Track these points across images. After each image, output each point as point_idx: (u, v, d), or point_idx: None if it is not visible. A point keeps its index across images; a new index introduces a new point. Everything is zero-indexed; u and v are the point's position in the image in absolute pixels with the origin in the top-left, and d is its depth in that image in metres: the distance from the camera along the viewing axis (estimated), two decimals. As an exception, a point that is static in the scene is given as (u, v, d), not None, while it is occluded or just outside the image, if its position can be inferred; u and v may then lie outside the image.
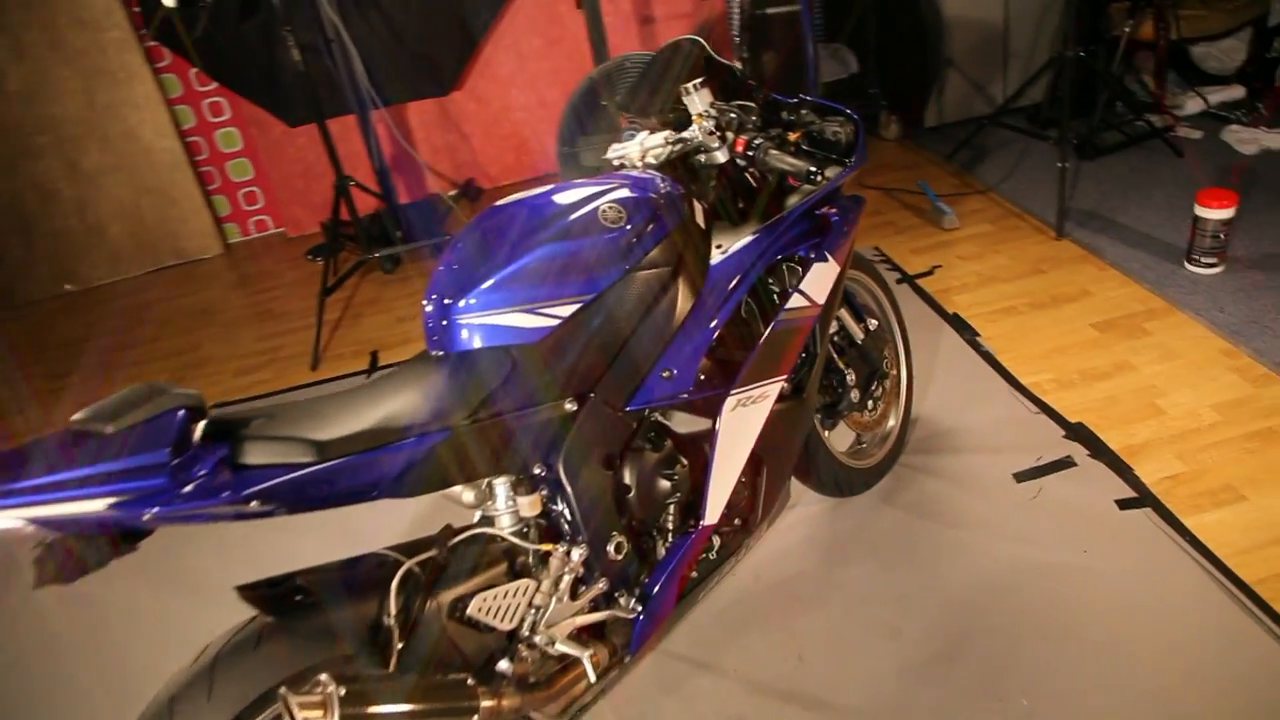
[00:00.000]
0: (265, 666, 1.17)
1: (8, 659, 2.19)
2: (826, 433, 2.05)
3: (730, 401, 1.60)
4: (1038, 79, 3.80)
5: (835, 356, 2.02)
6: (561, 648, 1.40)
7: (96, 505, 0.99)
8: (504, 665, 1.37)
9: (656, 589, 1.54)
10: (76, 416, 1.05)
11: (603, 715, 1.78)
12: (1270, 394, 2.34)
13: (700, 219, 1.62)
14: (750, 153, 1.66)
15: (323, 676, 1.17)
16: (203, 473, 1.05)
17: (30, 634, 2.26)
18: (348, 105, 3.94)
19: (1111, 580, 1.90)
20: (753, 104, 1.79)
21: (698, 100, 1.67)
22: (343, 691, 1.16)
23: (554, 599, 1.41)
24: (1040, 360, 2.62)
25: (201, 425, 1.08)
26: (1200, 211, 2.81)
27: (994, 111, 4.02)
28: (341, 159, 3.61)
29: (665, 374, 1.52)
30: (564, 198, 1.48)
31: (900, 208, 3.73)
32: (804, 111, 1.85)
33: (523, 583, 1.37)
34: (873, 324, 2.12)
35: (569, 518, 1.43)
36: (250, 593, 1.20)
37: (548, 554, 1.41)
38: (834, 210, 1.88)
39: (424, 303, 1.38)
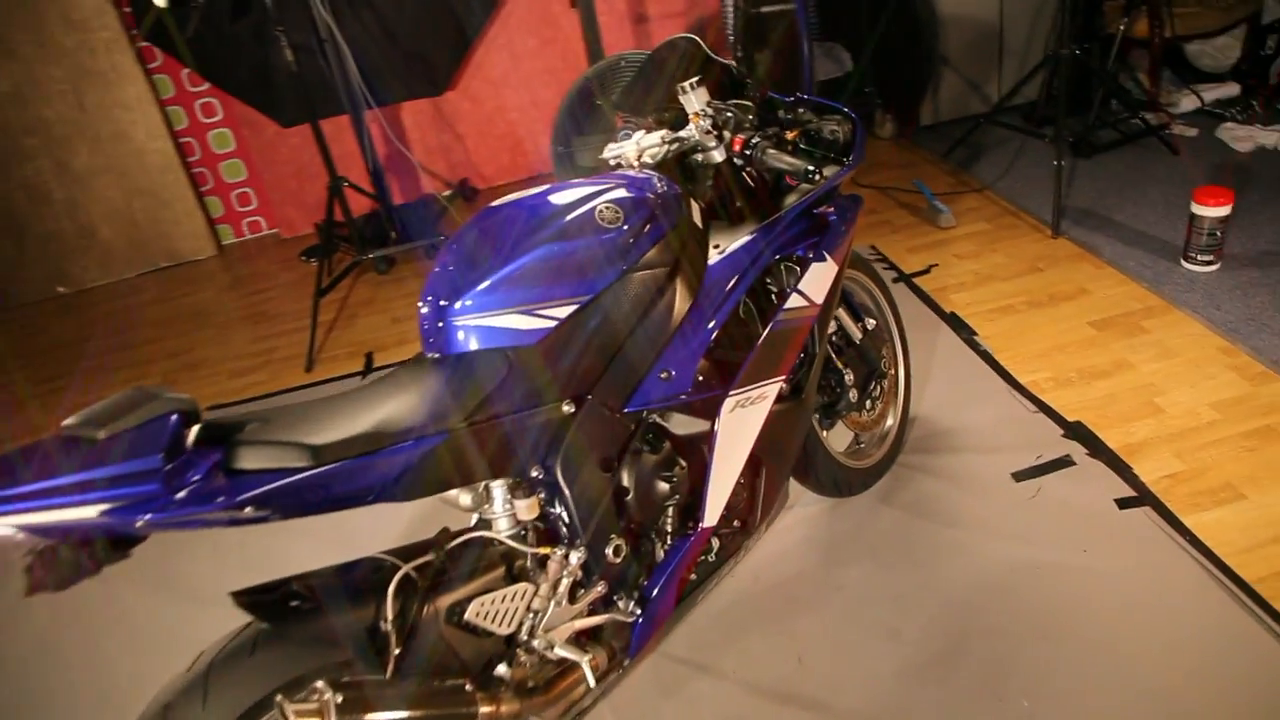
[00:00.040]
0: (260, 673, 1.16)
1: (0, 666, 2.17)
2: (825, 433, 2.04)
3: (729, 402, 1.59)
4: (1033, 77, 3.79)
5: (833, 356, 2.01)
6: (560, 652, 1.39)
7: (88, 512, 0.97)
8: (502, 670, 1.36)
9: (655, 592, 1.53)
10: (68, 422, 1.04)
11: (602, 718, 1.77)
12: (1268, 392, 2.34)
13: (698, 219, 1.61)
14: (748, 152, 1.65)
15: (319, 683, 1.16)
16: (196, 478, 1.03)
17: (23, 640, 2.24)
18: (341, 105, 3.92)
19: (1111, 579, 1.89)
20: (749, 103, 1.78)
21: (694, 99, 1.66)
22: (339, 698, 1.15)
23: (552, 602, 1.40)
24: (1038, 359, 2.62)
25: (195, 430, 1.07)
26: (1197, 209, 2.81)
27: (989, 110, 4.01)
28: (335, 159, 3.59)
29: (663, 375, 1.51)
30: (560, 198, 1.47)
31: (896, 206, 3.72)
32: (801, 110, 1.84)
33: (521, 586, 1.36)
34: (871, 323, 2.11)
35: (567, 520, 1.42)
36: (245, 598, 1.19)
37: (546, 557, 1.40)
38: (832, 209, 1.87)
39: (420, 304, 1.37)
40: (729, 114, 1.70)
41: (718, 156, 1.68)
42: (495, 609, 1.33)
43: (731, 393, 1.60)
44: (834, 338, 2.05)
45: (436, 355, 1.34)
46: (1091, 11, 4.06)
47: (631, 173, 1.59)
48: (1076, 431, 2.29)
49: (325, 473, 1.12)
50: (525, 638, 1.38)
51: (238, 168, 4.53)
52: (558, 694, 1.41)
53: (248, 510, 1.06)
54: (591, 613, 1.47)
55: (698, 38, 1.80)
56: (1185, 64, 4.25)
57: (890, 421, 2.27)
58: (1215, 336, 2.58)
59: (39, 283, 4.43)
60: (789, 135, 1.80)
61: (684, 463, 1.58)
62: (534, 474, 1.38)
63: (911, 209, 3.66)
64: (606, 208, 1.46)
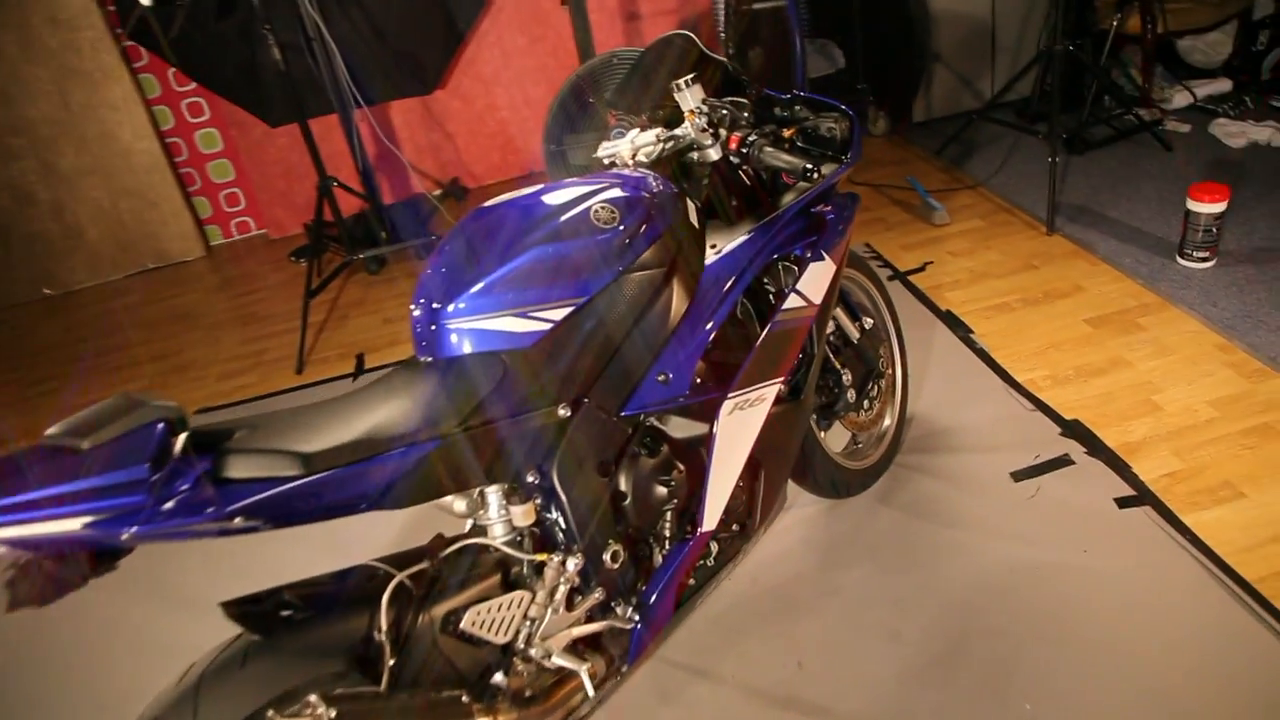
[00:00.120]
0: (252, 686, 1.13)
1: (-14, 675, 2.14)
2: (822, 433, 2.02)
3: (727, 405, 1.57)
4: (1026, 73, 3.78)
5: (831, 356, 1.99)
6: (558, 660, 1.37)
7: (72, 524, 0.94)
8: (499, 680, 1.34)
9: (654, 597, 1.51)
10: (50, 431, 1.01)
11: (599, 725, 1.75)
12: (1266, 389, 2.33)
13: (694, 218, 1.59)
14: (744, 150, 1.62)
15: (312, 697, 1.13)
16: (184, 488, 1.00)
17: (8, 648, 2.20)
18: (329, 104, 3.88)
19: (1112, 579, 1.87)
20: (745, 100, 1.75)
21: (690, 97, 1.64)
22: (333, 712, 1.13)
23: (549, 610, 1.37)
24: (1035, 357, 2.60)
25: (182, 438, 1.04)
26: (1192, 206, 2.80)
27: (982, 106, 4.00)
28: (324, 159, 3.55)
29: (661, 378, 1.49)
30: (554, 198, 1.44)
31: (890, 204, 3.71)
32: (798, 108, 1.82)
33: (517, 594, 1.34)
34: (868, 323, 2.09)
35: (564, 526, 1.40)
36: (236, 609, 1.16)
37: (542, 564, 1.38)
38: (829, 208, 1.85)
39: (412, 307, 1.34)
40: (725, 112, 1.68)
41: (714, 155, 1.66)
42: (491, 617, 1.30)
43: (730, 395, 1.57)
44: (831, 337, 2.03)
45: (429, 359, 1.32)
46: (1084, 7, 4.06)
47: (626, 172, 1.57)
48: (1074, 430, 2.28)
49: (317, 481, 1.09)
50: (522, 646, 1.35)
51: (225, 168, 4.49)
52: (556, 703, 1.38)
53: (237, 521, 1.04)
54: (589, 620, 1.45)
55: (692, 35, 1.78)
56: (1177, 60, 4.25)
57: (888, 421, 2.25)
58: (1212, 333, 2.57)
59: (25, 285, 4.39)
60: (786, 133, 1.78)
61: (682, 466, 1.56)
62: (530, 479, 1.36)
63: (905, 206, 3.65)
64: (602, 208, 1.43)
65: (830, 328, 2.01)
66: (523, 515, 1.35)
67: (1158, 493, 2.06)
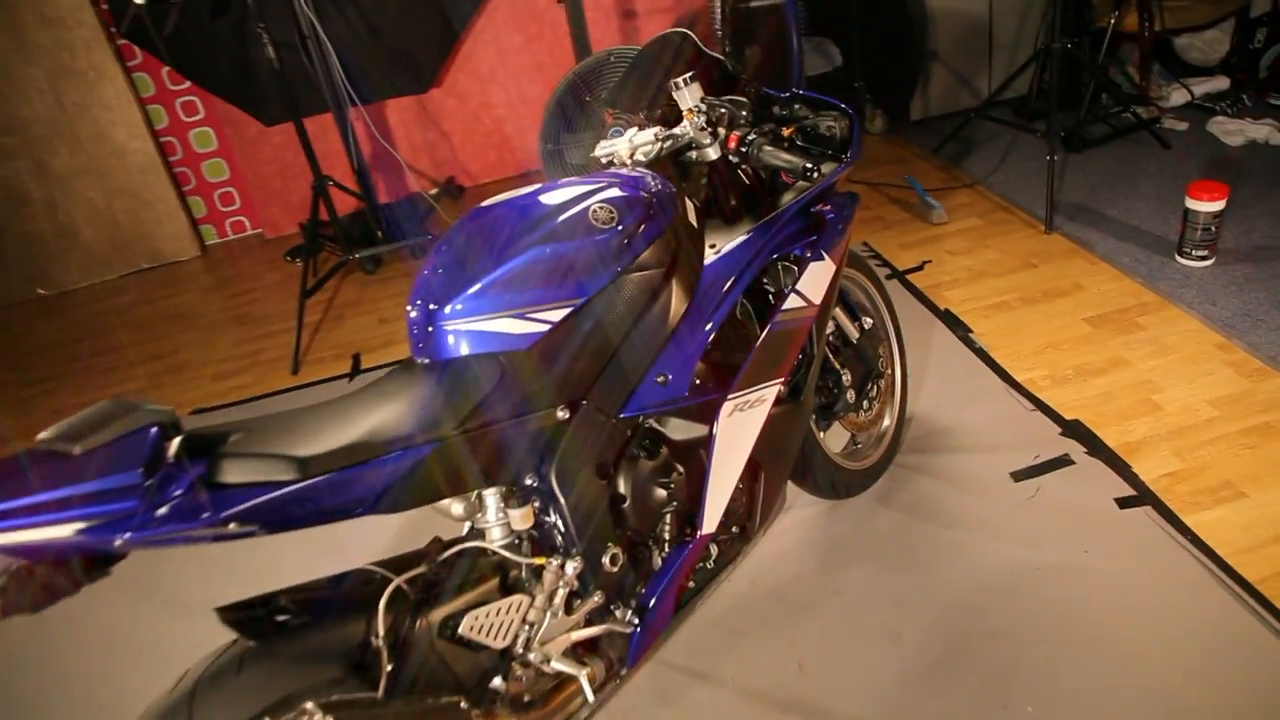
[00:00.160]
0: (247, 694, 1.12)
1: (-20, 679, 2.12)
2: (822, 434, 2.01)
3: (727, 406, 1.56)
4: (1023, 71, 3.77)
5: (830, 356, 1.98)
6: (557, 665, 1.35)
7: (64, 530, 0.93)
8: (498, 685, 1.32)
9: (653, 601, 1.50)
10: (42, 435, 0.99)
11: (598, 729, 1.73)
12: (1266, 388, 2.32)
13: (693, 218, 1.57)
14: (744, 149, 1.61)
15: (308, 704, 1.12)
16: (177, 493, 0.99)
17: (3, 652, 2.18)
18: (325, 103, 3.87)
19: (1113, 580, 1.87)
20: (744, 99, 1.74)
21: (688, 95, 1.62)
22: (329, 719, 1.11)
23: (548, 614, 1.36)
24: (1034, 356, 2.59)
25: (176, 443, 1.02)
26: (1191, 204, 2.79)
27: (980, 104, 3.99)
28: (320, 158, 3.54)
29: (660, 379, 1.48)
30: (552, 198, 1.43)
31: (887, 202, 3.69)
32: (797, 106, 1.80)
33: (516, 598, 1.32)
34: (868, 322, 2.08)
35: (562, 529, 1.38)
36: (231, 615, 1.15)
37: (541, 568, 1.36)
38: (829, 207, 1.83)
39: (408, 308, 1.32)
40: (723, 110, 1.67)
41: (713, 154, 1.65)
42: (490, 622, 1.29)
43: (730, 396, 1.56)
44: (831, 337, 2.02)
45: (426, 361, 1.30)
46: (1081, 5, 4.05)
47: (625, 171, 1.55)
48: (1074, 430, 2.27)
49: (312, 486, 1.08)
50: (521, 651, 1.34)
51: (220, 167, 4.46)
52: (555, 707, 1.37)
53: (232, 526, 1.02)
54: (588, 623, 1.43)
55: (690, 33, 1.77)
56: (1174, 58, 4.24)
57: (887, 422, 2.24)
58: (1211, 332, 2.56)
59: (18, 285, 4.36)
60: (785, 132, 1.76)
61: (681, 468, 1.54)
62: (528, 482, 1.35)
63: (903, 205, 3.64)
64: (600, 208, 1.42)
65: (830, 328, 2.00)
66: (521, 518, 1.34)
67: (1158, 493, 2.05)
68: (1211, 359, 2.46)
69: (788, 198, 1.77)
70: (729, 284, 1.60)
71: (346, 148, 3.91)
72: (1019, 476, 2.16)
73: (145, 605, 2.24)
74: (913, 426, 2.39)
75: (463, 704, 1.24)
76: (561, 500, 1.36)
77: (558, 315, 1.33)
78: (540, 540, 1.40)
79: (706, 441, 1.55)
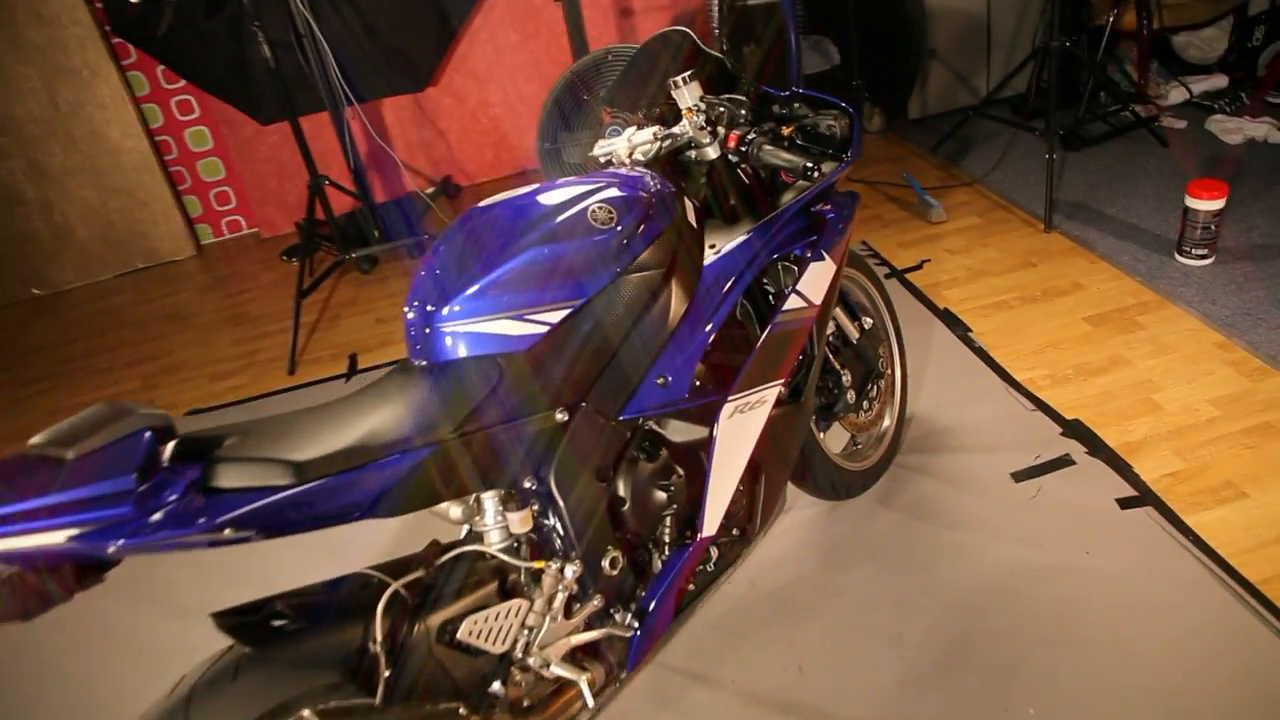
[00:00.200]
0: (244, 700, 1.10)
1: (-26, 683, 2.11)
2: (821, 434, 2.00)
3: (728, 408, 1.54)
4: (1022, 69, 3.76)
5: (830, 357, 1.97)
6: (556, 670, 1.34)
7: (56, 537, 0.91)
8: (497, 690, 1.31)
9: (653, 604, 1.48)
10: (34, 440, 0.98)
11: (597, 732, 1.72)
12: (1266, 388, 2.31)
13: (692, 218, 1.56)
14: (744, 148, 1.60)
15: (305, 711, 1.11)
16: (172, 499, 0.97)
17: (-2, 656, 2.17)
18: (321, 102, 3.84)
19: (1115, 581, 1.86)
20: (743, 97, 1.73)
21: (687, 94, 1.61)
22: (327, 727, 1.10)
23: (547, 618, 1.35)
24: (1034, 355, 2.58)
25: (170, 447, 1.01)
26: (1191, 203, 2.78)
27: (978, 103, 3.98)
28: (315, 157, 3.52)
29: (659, 381, 1.46)
30: (550, 198, 1.41)
31: (886, 201, 3.68)
32: (796, 105, 1.79)
33: (515, 603, 1.31)
34: (868, 322, 2.07)
35: (561, 533, 1.37)
36: (227, 621, 1.13)
37: (540, 571, 1.35)
38: (829, 207, 1.82)
39: (405, 310, 1.31)
40: (723, 109, 1.65)
41: (712, 153, 1.64)
42: (488, 627, 1.28)
43: (730, 398, 1.55)
44: (831, 338, 2.01)
45: (424, 363, 1.29)
46: (1080, 3, 4.04)
47: (624, 171, 1.54)
48: (1075, 430, 2.26)
49: (309, 490, 1.06)
50: (520, 656, 1.33)
51: (216, 166, 4.44)
52: (554, 712, 1.36)
53: (227, 532, 1.01)
54: (588, 627, 1.42)
55: (690, 31, 1.75)
56: (1172, 55, 4.23)
57: (887, 422, 2.23)
58: (1211, 331, 2.55)
59: (13, 285, 4.34)
60: (785, 131, 1.75)
61: (681, 471, 1.53)
62: (527, 485, 1.33)
63: (901, 203, 3.63)
64: (599, 208, 1.40)
65: (830, 328, 1.99)
66: (520, 522, 1.32)
67: (1159, 493, 2.05)
68: (1211, 358, 2.45)
69: (788, 197, 1.75)
70: (729, 284, 1.59)
71: (343, 147, 3.89)
72: (1020, 477, 2.15)
73: (142, 607, 2.22)
74: (912, 427, 2.38)
75: (461, 710, 1.23)
76: (560, 503, 1.35)
77: (556, 317, 1.32)
78: (539, 544, 1.39)
79: (707, 444, 1.54)
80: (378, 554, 2.20)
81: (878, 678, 1.75)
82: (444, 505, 1.31)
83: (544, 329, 1.31)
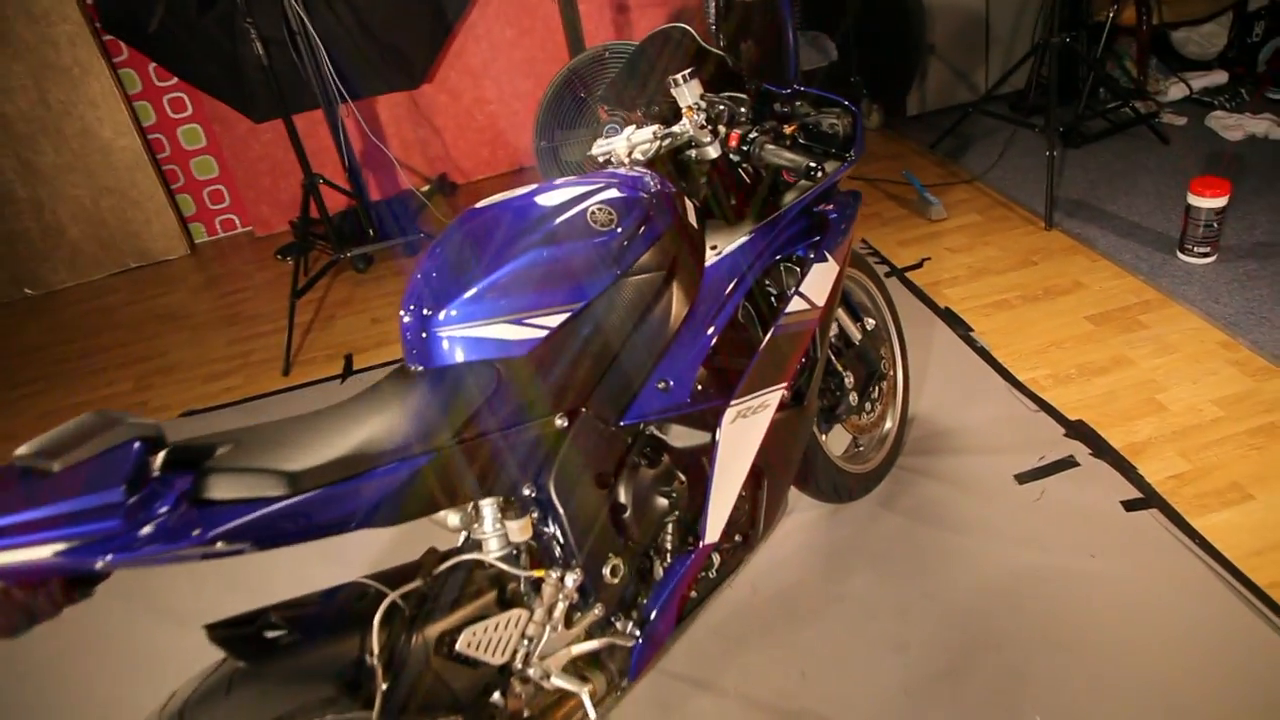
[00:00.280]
0: (238, 715, 1.08)
1: (-36, 691, 2.08)
2: (824, 437, 1.97)
3: (730, 412, 1.52)
4: (1021, 65, 3.74)
5: (833, 359, 1.94)
6: (557, 681, 1.31)
7: (43, 552, 0.89)
8: (496, 702, 1.28)
9: (655, 612, 1.46)
10: (20, 451, 0.95)
11: (598, 740, 1.70)
12: (1271, 388, 2.29)
13: (693, 219, 1.53)
14: (745, 147, 1.57)
15: (300, 727, 1.08)
16: (162, 511, 0.95)
17: (-12, 664, 2.14)
18: (314, 100, 3.81)
19: (1120, 585, 1.84)
20: (744, 95, 1.70)
21: (687, 92, 1.58)
22: (322, 743, 1.07)
23: (547, 628, 1.32)
24: (1036, 355, 2.56)
25: (160, 457, 0.98)
26: (1193, 200, 2.76)
27: (977, 99, 3.95)
28: (310, 155, 3.49)
29: (661, 385, 1.44)
30: (548, 199, 1.39)
31: (885, 198, 3.66)
32: (798, 103, 1.76)
33: (514, 612, 1.28)
34: (870, 323, 2.05)
35: (562, 541, 1.34)
36: (220, 633, 1.11)
37: (540, 580, 1.32)
38: (831, 207, 1.80)
39: (402, 313, 1.28)
40: (723, 108, 1.62)
41: (713, 153, 1.61)
42: (488, 637, 1.25)
43: (732, 402, 1.52)
44: (833, 339, 1.98)
45: (420, 368, 1.26)
46: (1078, -1, 4.02)
47: (623, 171, 1.51)
48: (1078, 431, 2.24)
49: (303, 501, 1.03)
50: (520, 666, 1.30)
51: (209, 164, 4.41)
52: (555, 724, 1.33)
53: (219, 545, 0.98)
54: (589, 637, 1.40)
55: (689, 28, 1.72)
56: (1171, 52, 4.21)
57: (889, 424, 2.21)
58: (1215, 330, 2.53)
59: (4, 285, 4.30)
60: (787, 129, 1.72)
61: (683, 477, 1.50)
62: (526, 492, 1.30)
63: (901, 201, 3.60)
64: (599, 209, 1.37)
65: (833, 329, 1.96)
66: (519, 530, 1.30)
67: (1165, 495, 2.02)
68: (1215, 358, 2.43)
69: (789, 197, 1.73)
70: (731, 286, 1.56)
71: (337, 145, 3.86)
72: (1023, 479, 2.12)
73: (137, 615, 2.19)
74: (915, 428, 2.35)
75: (460, 723, 1.21)
76: (560, 511, 1.32)
77: (556, 320, 1.29)
78: (539, 552, 1.36)
79: (709, 449, 1.51)
80: (374, 561, 2.17)
81: (882, 683, 1.73)
82: (442, 513, 1.29)
83: (543, 333, 1.28)
